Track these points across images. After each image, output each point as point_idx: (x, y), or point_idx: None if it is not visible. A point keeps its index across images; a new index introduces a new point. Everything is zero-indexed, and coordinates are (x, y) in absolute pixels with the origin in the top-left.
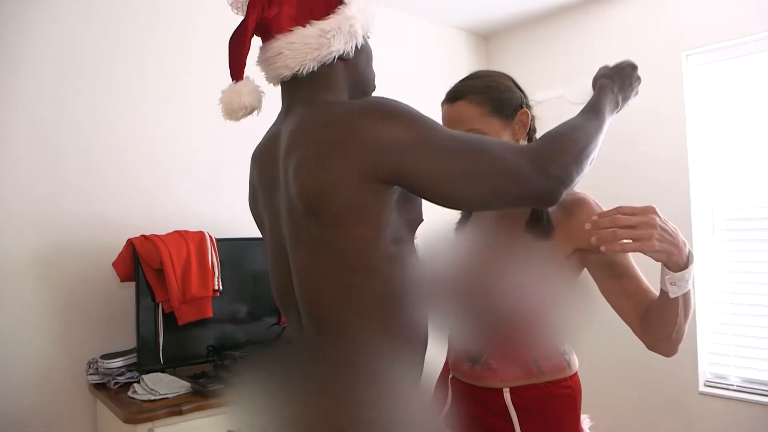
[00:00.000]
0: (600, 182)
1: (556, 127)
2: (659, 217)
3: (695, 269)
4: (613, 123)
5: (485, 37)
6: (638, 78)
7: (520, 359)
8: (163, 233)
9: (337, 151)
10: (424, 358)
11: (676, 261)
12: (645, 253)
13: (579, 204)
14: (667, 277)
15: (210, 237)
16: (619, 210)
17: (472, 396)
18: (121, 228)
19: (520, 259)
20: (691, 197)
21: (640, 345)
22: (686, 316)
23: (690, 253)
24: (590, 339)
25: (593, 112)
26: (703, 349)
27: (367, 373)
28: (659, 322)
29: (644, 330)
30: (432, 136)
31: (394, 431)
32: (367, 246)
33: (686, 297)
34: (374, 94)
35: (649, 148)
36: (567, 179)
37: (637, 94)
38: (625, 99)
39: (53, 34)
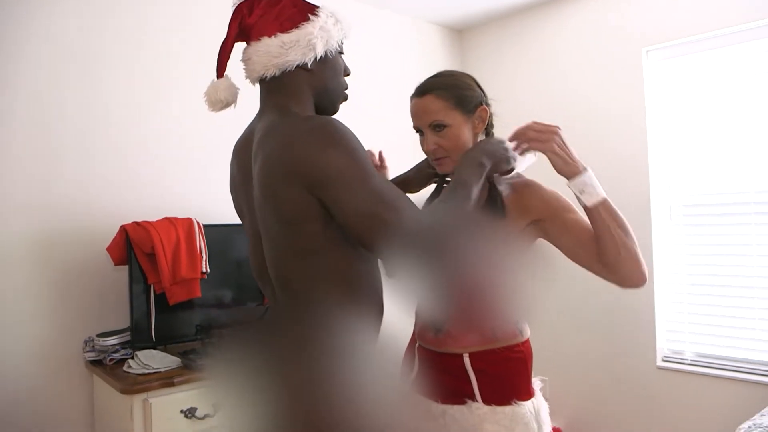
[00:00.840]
0: (559, 176)
1: (446, 207)
2: (561, 136)
3: (602, 189)
4: (576, 114)
5: (459, 31)
6: (504, 146)
7: (478, 327)
8: (154, 220)
9: (286, 167)
10: (380, 322)
11: (571, 169)
12: (546, 154)
13: (528, 186)
14: (571, 186)
15: (198, 223)
16: (533, 122)
17: (436, 361)
18: (115, 215)
19: (479, 235)
20: (651, 185)
21: (601, 323)
22: (621, 228)
23: (584, 166)
24: (551, 317)
25: (461, 184)
26: (661, 327)
27: (329, 336)
28: (602, 244)
29: (602, 265)
30: (360, 171)
31: (352, 383)
32: (316, 236)
33: (607, 207)
34: (351, 90)
35: (610, 139)
36: (433, 255)
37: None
38: (497, 159)
39: (51, 29)
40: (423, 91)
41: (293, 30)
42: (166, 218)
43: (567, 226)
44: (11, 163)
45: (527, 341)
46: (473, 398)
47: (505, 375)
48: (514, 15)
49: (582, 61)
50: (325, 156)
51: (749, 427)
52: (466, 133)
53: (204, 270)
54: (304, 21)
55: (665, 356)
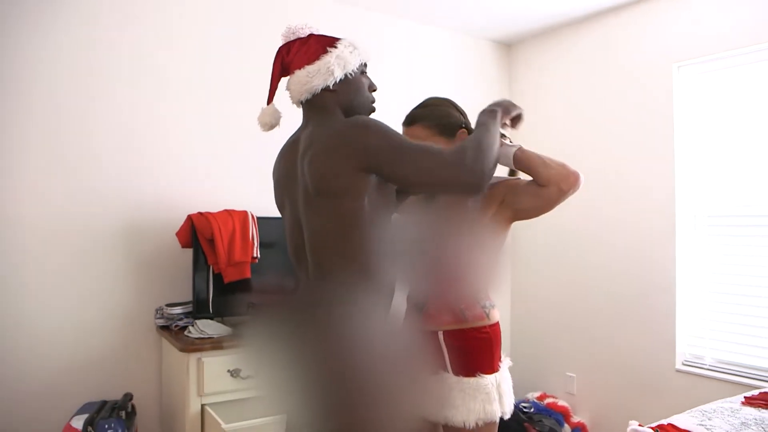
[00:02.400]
0: (592, 183)
1: (468, 140)
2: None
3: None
4: (608, 126)
5: (508, 45)
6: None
7: (451, 309)
8: (215, 211)
9: (336, 151)
10: (392, 298)
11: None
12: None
13: (496, 180)
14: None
15: (252, 215)
16: None
17: (418, 337)
18: (183, 206)
19: (456, 224)
20: (676, 197)
21: (626, 326)
22: (536, 155)
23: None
24: (581, 328)
25: (485, 125)
26: (683, 332)
27: (352, 307)
28: (535, 169)
29: (543, 188)
30: (397, 144)
31: (367, 348)
32: (355, 213)
33: (524, 151)
34: (402, 106)
35: (638, 151)
36: (488, 173)
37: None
38: (506, 107)
39: (126, 36)
40: (411, 121)
41: (315, 62)
42: (226, 210)
43: (520, 188)
44: (98, 163)
45: (495, 325)
46: (445, 369)
47: (472, 351)
48: (559, 29)
49: (615, 75)
50: (370, 136)
51: None
52: None
53: (255, 255)
54: (323, 53)
55: (686, 360)
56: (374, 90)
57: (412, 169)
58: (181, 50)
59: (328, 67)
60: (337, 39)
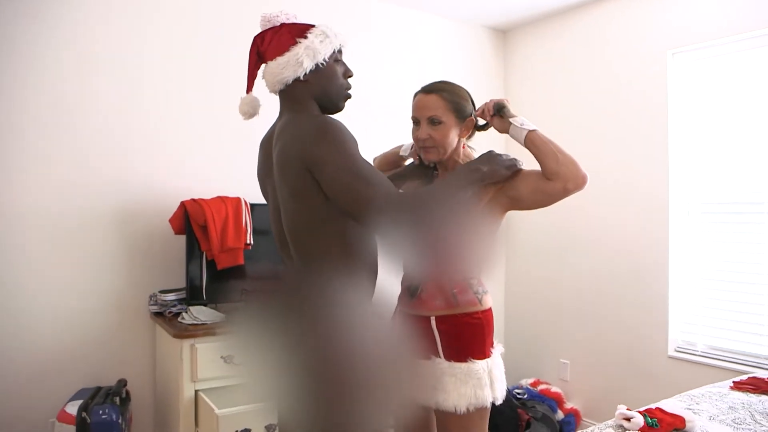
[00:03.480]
0: (586, 169)
1: (425, 197)
2: (494, 101)
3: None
4: (603, 112)
5: (503, 32)
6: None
7: (443, 294)
8: (208, 197)
9: (294, 153)
10: (375, 281)
11: (511, 113)
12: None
13: None
14: (514, 121)
15: (245, 202)
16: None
17: (410, 323)
18: (176, 192)
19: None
20: (670, 184)
21: (619, 313)
22: (557, 146)
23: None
24: (575, 315)
25: (455, 187)
26: (675, 318)
27: (334, 292)
28: (544, 158)
29: (549, 181)
30: (341, 163)
31: (352, 331)
32: (320, 208)
33: (542, 135)
34: (398, 93)
35: (632, 138)
36: (404, 223)
37: (508, 167)
38: (494, 166)
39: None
40: (430, 90)
41: (285, 53)
42: (219, 197)
43: (520, 177)
44: (92, 151)
45: (488, 311)
46: (437, 354)
47: (463, 337)
48: (554, 16)
49: (610, 62)
50: (319, 145)
51: None
52: (453, 133)
53: (248, 242)
54: (293, 44)
55: (678, 347)
56: (350, 76)
57: (339, 194)
58: (173, 37)
59: (297, 59)
60: (309, 27)
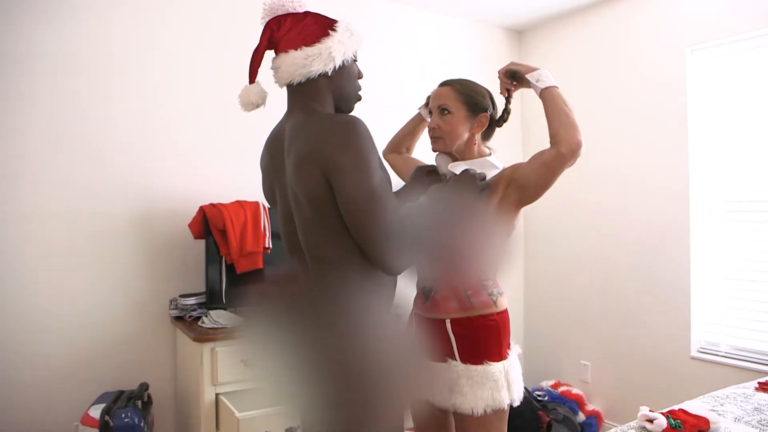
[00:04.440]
0: (605, 170)
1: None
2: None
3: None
4: (622, 110)
5: (519, 32)
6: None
7: (458, 296)
8: (227, 202)
9: (313, 157)
10: (394, 288)
11: (530, 68)
12: (511, 66)
13: (504, 168)
14: (530, 77)
15: (263, 206)
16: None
17: (426, 326)
18: (195, 197)
19: (465, 211)
20: (690, 183)
21: (641, 313)
22: (567, 105)
23: (538, 70)
24: (596, 316)
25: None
26: (698, 319)
27: (352, 298)
28: (551, 117)
29: (550, 147)
30: (360, 173)
31: (370, 339)
32: (338, 215)
33: (558, 93)
34: (415, 93)
35: (652, 137)
36: (407, 266)
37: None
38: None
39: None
40: (446, 82)
41: (316, 44)
42: (237, 201)
43: (523, 164)
44: (112, 156)
45: (503, 312)
46: (453, 357)
47: (479, 339)
48: (570, 15)
49: (628, 60)
50: (339, 150)
51: None
52: (463, 126)
53: (267, 245)
54: (324, 36)
55: (701, 347)
56: (361, 77)
57: (349, 208)
58: (194, 41)
59: (330, 52)
60: (335, 21)
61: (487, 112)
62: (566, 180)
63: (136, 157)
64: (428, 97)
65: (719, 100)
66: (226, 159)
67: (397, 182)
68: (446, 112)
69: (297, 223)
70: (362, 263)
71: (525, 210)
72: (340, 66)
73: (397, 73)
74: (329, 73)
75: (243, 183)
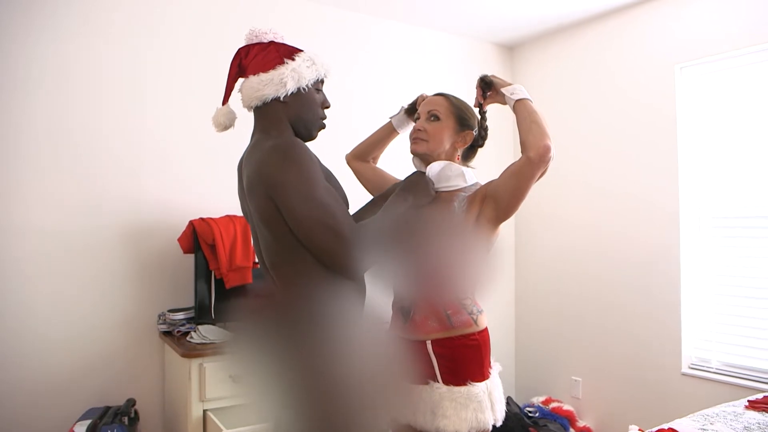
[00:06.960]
0: (595, 186)
1: (373, 226)
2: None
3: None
4: (611, 127)
5: (510, 48)
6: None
7: (437, 315)
8: (217, 216)
9: (257, 178)
10: (363, 299)
11: (505, 82)
12: (487, 77)
13: (477, 187)
14: (504, 91)
15: None
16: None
17: (405, 347)
18: (185, 211)
19: (441, 226)
20: (680, 199)
21: (632, 330)
22: (540, 117)
23: (513, 85)
24: (587, 332)
25: (386, 208)
26: (689, 335)
27: (317, 313)
28: (522, 127)
29: (523, 149)
30: (303, 190)
31: (342, 350)
32: (288, 234)
33: (530, 105)
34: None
35: (641, 153)
36: (369, 266)
37: (427, 194)
38: (417, 193)
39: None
40: (441, 93)
41: (270, 71)
42: (227, 215)
43: (498, 177)
44: (100, 169)
45: (484, 331)
46: (435, 379)
47: (461, 360)
48: (561, 32)
49: (617, 77)
50: (279, 170)
51: None
52: (448, 136)
53: (256, 260)
54: (280, 64)
55: (692, 364)
56: (327, 107)
57: (299, 222)
58: (185, 56)
59: (281, 78)
60: (298, 51)
61: (472, 131)
62: (556, 195)
63: (125, 171)
64: (402, 107)
65: (708, 117)
66: (216, 173)
67: (361, 193)
68: (436, 118)
69: (260, 243)
70: (324, 275)
71: (516, 227)
72: (294, 92)
73: (389, 88)
74: (281, 98)
75: (233, 197)
